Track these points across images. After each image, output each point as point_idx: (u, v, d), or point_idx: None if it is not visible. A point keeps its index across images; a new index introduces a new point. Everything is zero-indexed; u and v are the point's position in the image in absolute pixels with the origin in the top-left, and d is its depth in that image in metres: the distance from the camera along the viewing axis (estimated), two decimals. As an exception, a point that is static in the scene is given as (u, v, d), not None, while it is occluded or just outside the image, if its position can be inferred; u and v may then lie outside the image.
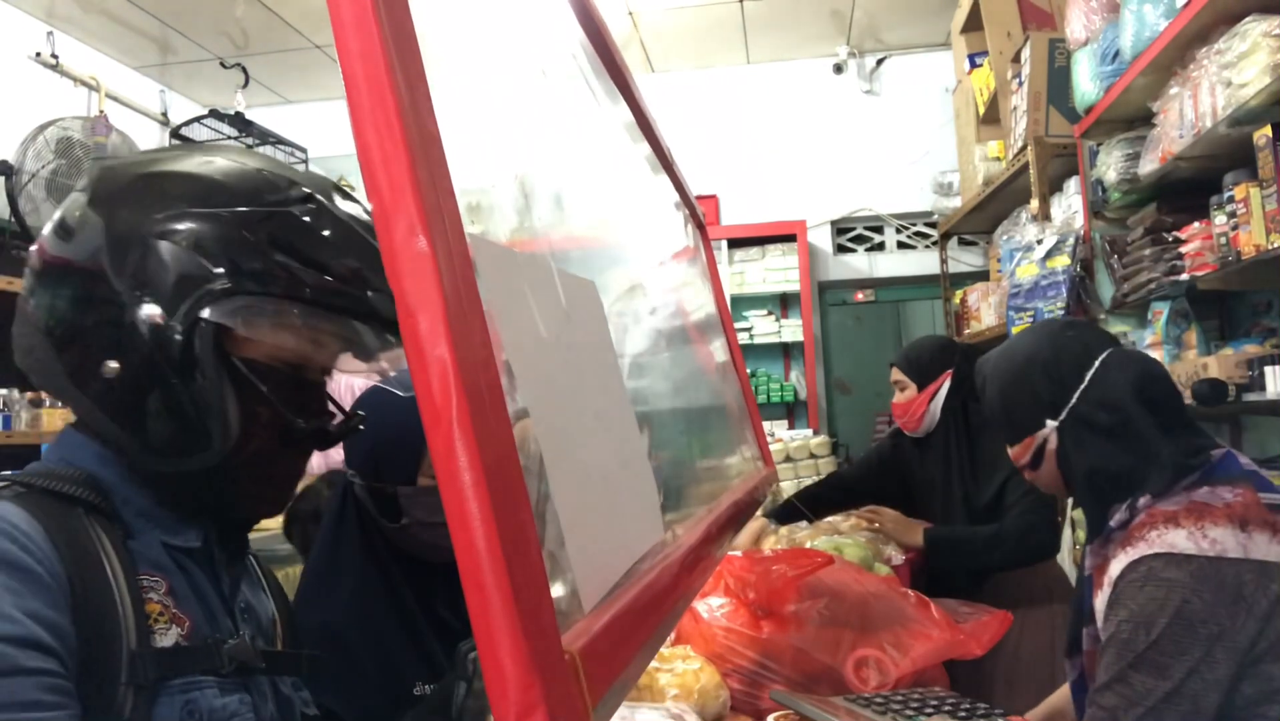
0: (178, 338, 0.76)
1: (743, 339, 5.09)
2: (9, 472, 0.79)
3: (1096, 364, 1.40)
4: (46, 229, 0.82)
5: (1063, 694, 1.67)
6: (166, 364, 0.76)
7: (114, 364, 0.76)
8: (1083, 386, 1.39)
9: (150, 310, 0.76)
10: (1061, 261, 3.10)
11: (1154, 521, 1.26)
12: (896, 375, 2.60)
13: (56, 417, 3.42)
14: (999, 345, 1.58)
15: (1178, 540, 1.22)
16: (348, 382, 2.02)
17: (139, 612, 0.74)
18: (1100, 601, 1.31)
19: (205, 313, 0.76)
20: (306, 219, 0.81)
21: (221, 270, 0.77)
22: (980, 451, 2.45)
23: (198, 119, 5.01)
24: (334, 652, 1.07)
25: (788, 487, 3.89)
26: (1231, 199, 2.22)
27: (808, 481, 3.98)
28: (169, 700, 0.74)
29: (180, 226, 0.77)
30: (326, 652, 0.96)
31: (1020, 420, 1.45)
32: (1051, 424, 1.40)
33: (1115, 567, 1.28)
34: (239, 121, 4.92)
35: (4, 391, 3.33)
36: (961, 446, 2.51)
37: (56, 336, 0.78)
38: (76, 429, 0.84)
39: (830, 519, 2.82)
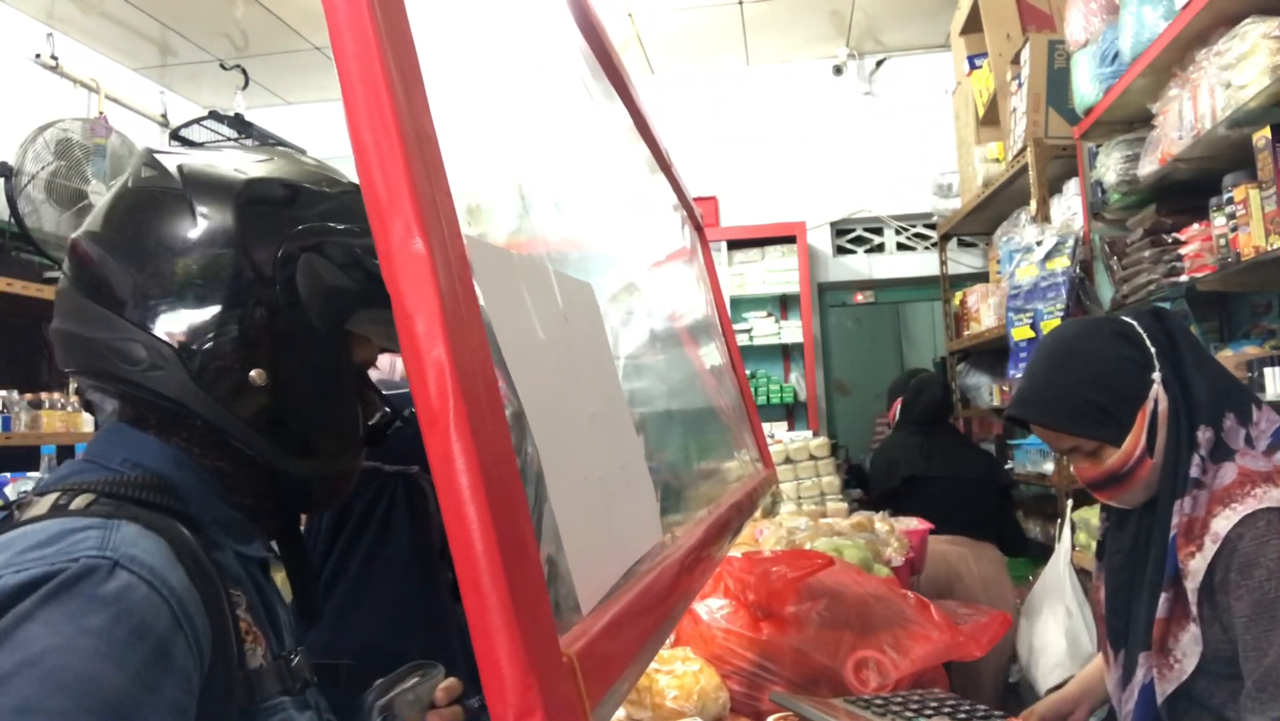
0: (324, 347, 0.81)
1: (742, 340, 5.09)
2: (79, 480, 0.74)
3: (1134, 321, 1.44)
4: (114, 225, 0.79)
5: (1081, 684, 1.66)
6: (315, 372, 0.81)
7: (260, 371, 0.78)
8: (1147, 337, 1.41)
9: (303, 321, 0.79)
10: (1061, 263, 3.09)
11: (1251, 480, 1.30)
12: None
13: (56, 419, 3.42)
14: (1029, 383, 1.49)
15: None
16: None
17: (237, 632, 0.74)
18: (1198, 562, 1.30)
19: (351, 323, 0.82)
20: None
21: (358, 280, 0.81)
22: None
23: (197, 120, 5.01)
24: (382, 662, 1.06)
25: (788, 489, 3.90)
26: (1231, 200, 2.22)
27: (807, 483, 3.99)
28: None
29: (321, 240, 0.80)
30: (374, 663, 0.97)
31: (1126, 392, 1.40)
32: (1156, 377, 1.39)
33: (1220, 525, 1.29)
34: (239, 123, 4.92)
35: (3, 393, 3.32)
36: None
37: (185, 345, 0.76)
38: (135, 425, 0.80)
39: (830, 520, 2.84)
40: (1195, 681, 1.32)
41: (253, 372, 0.77)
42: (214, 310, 0.76)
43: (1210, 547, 1.29)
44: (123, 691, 0.60)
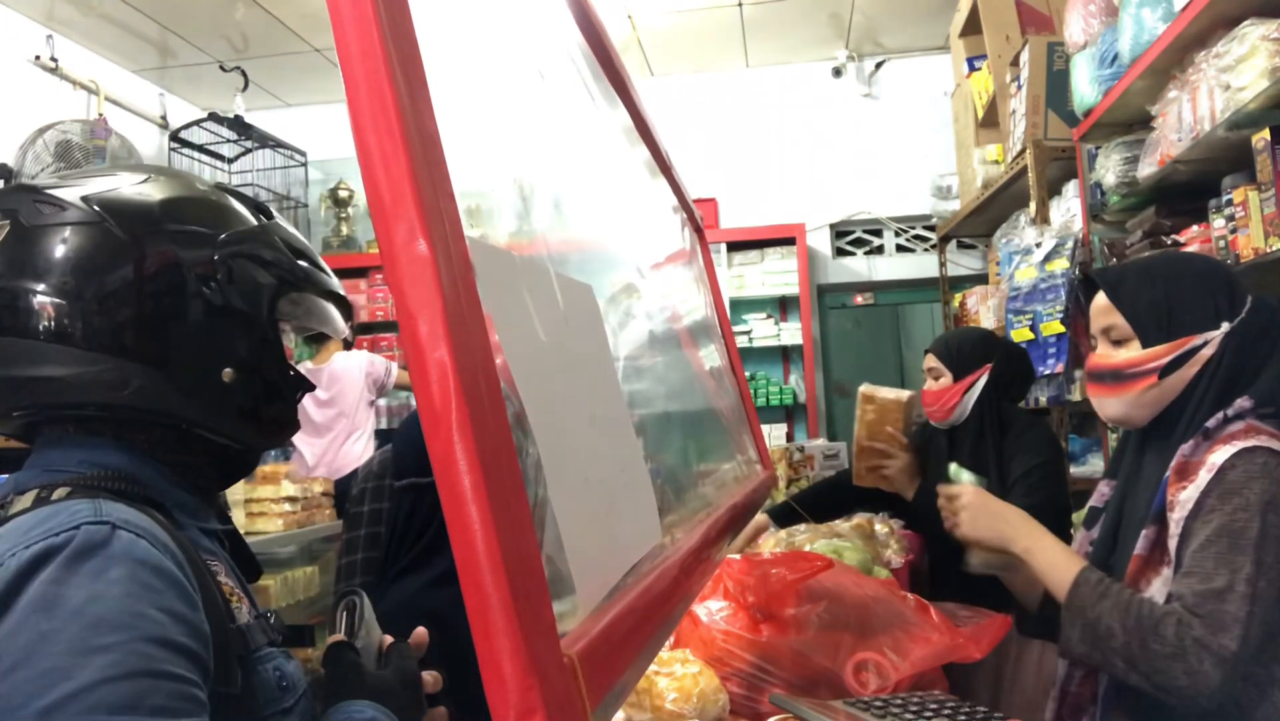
0: (269, 337, 0.90)
1: (742, 342, 5.09)
2: (49, 479, 0.80)
3: (1251, 296, 1.43)
4: (74, 263, 0.82)
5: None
6: (267, 361, 0.91)
7: (229, 370, 0.87)
8: (1250, 308, 1.40)
9: (249, 317, 0.88)
10: (1060, 265, 3.09)
11: (1257, 431, 1.29)
12: (931, 362, 2.45)
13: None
14: (1126, 264, 1.52)
15: None
16: None
17: (221, 593, 0.82)
18: (1189, 492, 1.29)
19: (279, 311, 0.92)
20: (287, 225, 0.99)
21: (278, 274, 0.92)
22: (1007, 451, 2.34)
23: (197, 122, 5.02)
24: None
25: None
26: (1230, 202, 2.22)
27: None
28: (263, 669, 0.84)
29: (247, 245, 0.90)
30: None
31: (1188, 318, 1.40)
32: (1226, 326, 1.39)
33: (1217, 458, 1.28)
34: (238, 124, 4.93)
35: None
36: (995, 447, 2.36)
37: (168, 362, 0.84)
38: (85, 433, 0.85)
39: (831, 521, 2.82)
40: None
41: (224, 371, 0.87)
42: (186, 324, 0.85)
43: (1204, 477, 1.28)
44: (161, 622, 0.69)
